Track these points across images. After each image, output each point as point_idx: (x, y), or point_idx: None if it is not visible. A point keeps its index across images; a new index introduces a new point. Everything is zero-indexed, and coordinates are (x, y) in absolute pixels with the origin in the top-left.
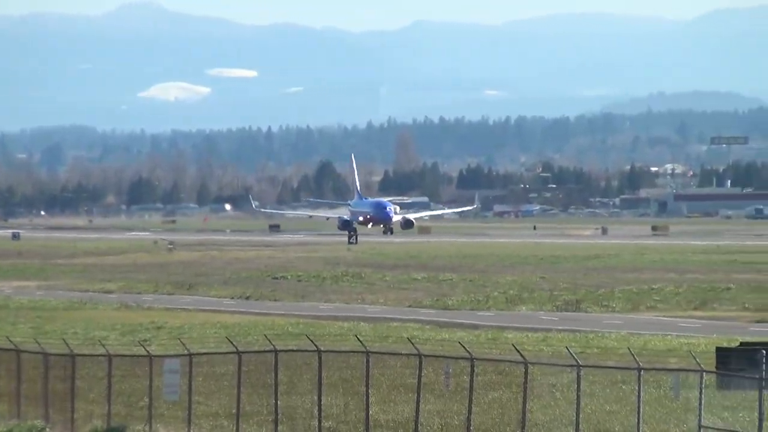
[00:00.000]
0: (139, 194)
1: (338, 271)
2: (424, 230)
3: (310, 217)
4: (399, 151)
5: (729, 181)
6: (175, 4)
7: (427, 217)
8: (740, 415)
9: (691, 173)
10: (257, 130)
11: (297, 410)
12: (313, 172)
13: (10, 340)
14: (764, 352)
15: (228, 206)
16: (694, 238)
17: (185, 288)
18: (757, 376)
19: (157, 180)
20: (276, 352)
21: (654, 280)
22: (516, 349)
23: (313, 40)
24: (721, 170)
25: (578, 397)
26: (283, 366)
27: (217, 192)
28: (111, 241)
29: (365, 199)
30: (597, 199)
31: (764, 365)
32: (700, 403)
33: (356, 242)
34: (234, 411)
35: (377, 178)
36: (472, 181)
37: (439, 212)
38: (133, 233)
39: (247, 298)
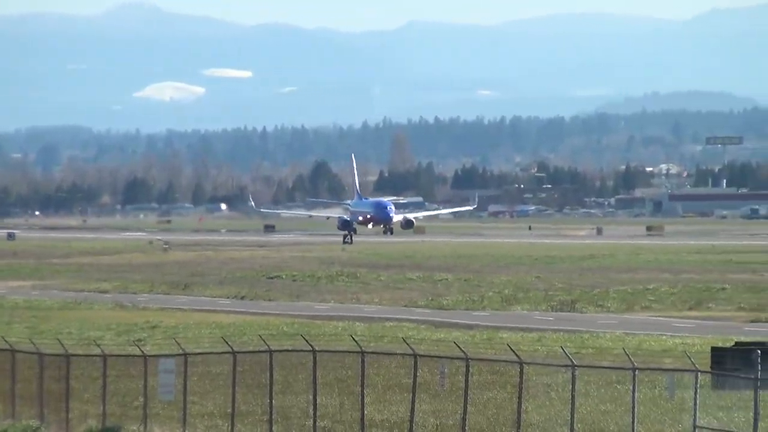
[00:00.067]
0: (134, 194)
1: (333, 271)
2: (419, 230)
3: (310, 216)
4: (394, 151)
5: (724, 181)
6: (170, 5)
7: (422, 217)
8: (735, 415)
9: (686, 173)
10: (252, 130)
11: (292, 410)
12: (308, 172)
13: (5, 340)
14: (759, 352)
15: (223, 206)
16: (689, 238)
17: (180, 288)
18: (752, 376)
19: (152, 180)
20: (271, 352)
21: (649, 280)
22: (511, 349)
23: (308, 41)
24: (716, 170)
25: (573, 397)
26: (278, 366)
27: (212, 192)
28: (106, 241)
29: (365, 199)
30: (592, 199)
31: (759, 365)
32: (695, 403)
33: (351, 242)
34: (229, 411)
35: (372, 178)
36: (467, 181)
37: (439, 212)
38: (128, 233)
39: (242, 298)
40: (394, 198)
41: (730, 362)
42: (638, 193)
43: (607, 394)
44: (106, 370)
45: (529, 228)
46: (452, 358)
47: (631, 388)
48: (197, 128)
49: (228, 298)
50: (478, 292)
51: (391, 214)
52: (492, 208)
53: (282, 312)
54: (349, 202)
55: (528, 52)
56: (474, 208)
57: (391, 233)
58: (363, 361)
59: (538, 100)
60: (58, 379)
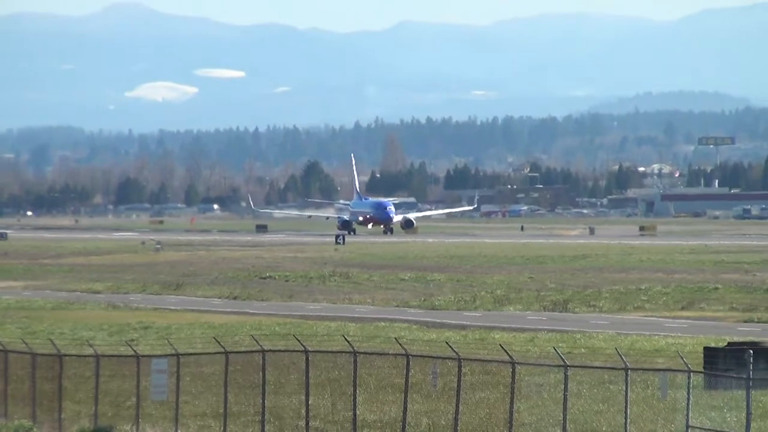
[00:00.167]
0: (126, 194)
1: (326, 271)
2: (412, 230)
3: (310, 217)
4: (386, 152)
5: (716, 182)
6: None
7: (422, 217)
8: (728, 415)
9: (679, 173)
10: (244, 131)
11: (284, 410)
12: (300, 173)
13: None
14: (752, 352)
15: (216, 206)
16: (681, 238)
17: (173, 288)
18: (745, 376)
19: (145, 180)
20: (263, 352)
21: (641, 280)
22: (503, 349)
23: (300, 41)
24: (708, 170)
25: (565, 397)
26: (270, 366)
27: (205, 192)
28: (98, 242)
29: (365, 199)
30: (584, 199)
31: (751, 365)
32: (688, 403)
33: (344, 242)
34: (221, 411)
35: (364, 178)
36: (459, 181)
37: (440, 212)
38: (121, 233)
39: (235, 298)
40: (387, 199)
41: (723, 362)
42: (631, 193)
43: (600, 394)
44: (98, 370)
45: (522, 228)
46: (444, 359)
47: (623, 388)
48: (190, 128)
49: (220, 298)
50: (470, 293)
51: (391, 215)
52: (484, 208)
53: (274, 312)
54: (342, 202)
55: (520, 53)
56: (474, 208)
57: (391, 233)
58: (355, 362)
59: (531, 101)
60: (51, 379)
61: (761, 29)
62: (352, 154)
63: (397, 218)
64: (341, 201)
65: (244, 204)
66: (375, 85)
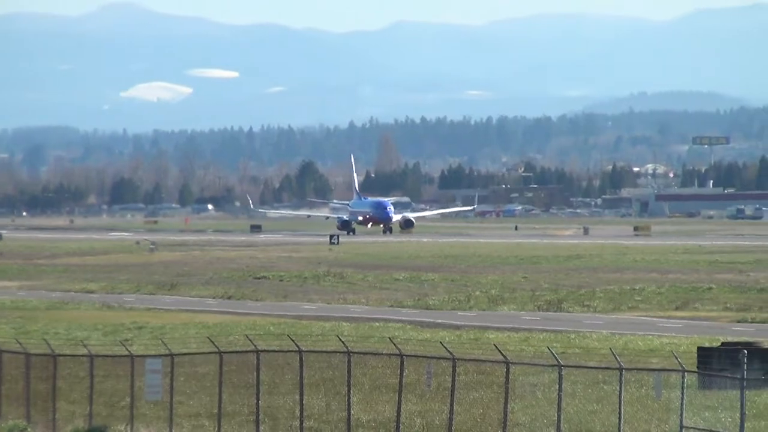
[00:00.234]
0: (120, 194)
1: (320, 271)
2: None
3: (309, 216)
4: (380, 152)
5: (711, 182)
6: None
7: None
8: (722, 415)
9: (673, 173)
10: (239, 131)
11: (278, 410)
12: (295, 172)
13: None
14: (746, 352)
15: (210, 206)
16: (675, 238)
17: (167, 288)
18: (739, 376)
19: (139, 180)
20: (257, 352)
21: (635, 280)
22: (498, 349)
23: (294, 41)
24: (702, 170)
25: (559, 397)
26: (264, 366)
27: (199, 192)
28: (93, 242)
29: (364, 198)
30: (579, 199)
31: (746, 365)
32: (682, 403)
33: (338, 242)
34: (215, 411)
35: (359, 178)
36: (453, 181)
37: (440, 212)
38: (115, 233)
39: (229, 298)
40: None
41: (717, 362)
42: (625, 193)
43: (594, 394)
44: (92, 370)
45: (516, 228)
46: (439, 358)
47: (617, 388)
48: (184, 128)
49: (215, 298)
50: (464, 292)
51: (390, 214)
52: (479, 208)
53: (269, 312)
54: (337, 201)
55: (515, 53)
56: (473, 208)
57: (391, 233)
58: (349, 362)
59: (525, 100)
60: (45, 379)
61: (756, 29)
62: (352, 155)
63: (396, 218)
64: (336, 201)
65: (238, 204)
66: (370, 85)
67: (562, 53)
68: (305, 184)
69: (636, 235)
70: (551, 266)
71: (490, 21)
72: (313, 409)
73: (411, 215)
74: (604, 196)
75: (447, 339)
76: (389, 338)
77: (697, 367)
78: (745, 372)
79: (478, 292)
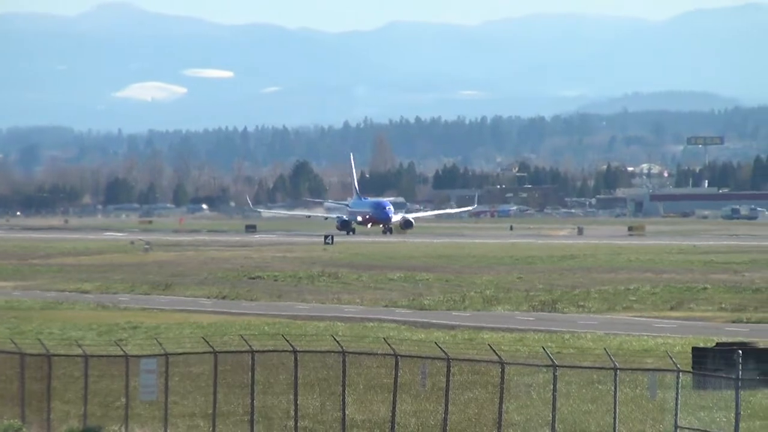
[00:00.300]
0: (115, 194)
1: (314, 271)
2: (401, 231)
3: (308, 216)
4: (375, 152)
5: (705, 182)
6: (151, 5)
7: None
8: (716, 415)
9: (667, 173)
10: (233, 131)
11: (273, 410)
12: (289, 172)
13: None
14: (740, 352)
15: (205, 206)
16: (670, 238)
17: (162, 288)
18: (734, 377)
19: (134, 180)
20: (252, 352)
21: (630, 280)
22: (492, 349)
23: (289, 41)
24: (697, 170)
25: (554, 397)
26: (259, 366)
27: (194, 192)
28: (87, 242)
29: (364, 198)
30: (573, 199)
31: (740, 365)
32: (677, 403)
33: (332, 242)
34: (210, 411)
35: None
36: (448, 181)
37: (440, 212)
38: (110, 233)
39: (224, 298)
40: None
41: (712, 362)
42: (619, 193)
43: (589, 394)
44: (87, 370)
45: (511, 228)
46: (433, 359)
47: (612, 388)
48: (179, 128)
49: (209, 298)
50: (459, 293)
51: (390, 214)
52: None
53: (263, 312)
54: (332, 201)
55: (509, 53)
56: (474, 208)
57: (390, 233)
58: (344, 362)
59: (520, 100)
60: (40, 379)
61: (751, 29)
62: (351, 155)
63: (396, 218)
64: (331, 201)
65: (233, 204)
66: (364, 85)
67: (557, 53)
68: (299, 185)
69: (630, 235)
70: (546, 266)
71: (484, 21)
72: (307, 409)
73: (410, 216)
74: (598, 196)
75: (442, 339)
76: (384, 338)
77: (692, 368)
78: (740, 372)
79: (472, 293)
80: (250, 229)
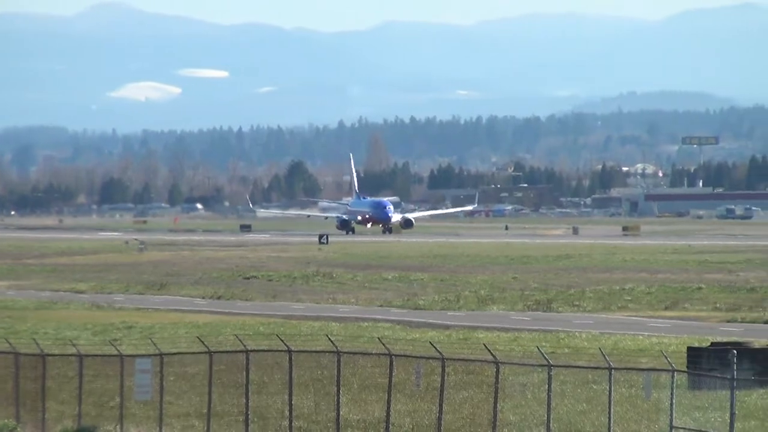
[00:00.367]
0: (110, 194)
1: (309, 271)
2: (396, 230)
3: (308, 216)
4: (370, 151)
5: (700, 181)
6: (146, 4)
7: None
8: (711, 415)
9: (662, 173)
10: (228, 130)
11: (268, 410)
12: (284, 172)
13: None
14: (735, 352)
15: (199, 206)
16: (665, 238)
17: (156, 288)
18: (729, 376)
19: (129, 180)
20: (247, 352)
21: (625, 280)
22: (487, 349)
23: (284, 41)
24: (692, 170)
25: (549, 396)
26: (254, 366)
27: (188, 192)
28: (82, 241)
29: (364, 198)
30: (568, 198)
31: (735, 365)
32: (672, 403)
33: (327, 242)
34: (205, 411)
35: (348, 178)
36: (443, 180)
37: (441, 213)
38: (105, 233)
39: (219, 297)
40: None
41: (707, 362)
42: (614, 192)
43: (584, 393)
44: (82, 370)
45: (506, 228)
46: (428, 358)
47: (607, 387)
48: (173, 128)
49: (204, 298)
50: (454, 292)
51: (390, 214)
52: (468, 208)
53: (258, 312)
54: (326, 201)
55: (504, 53)
56: (475, 207)
57: (390, 233)
58: (339, 361)
59: (515, 100)
60: (34, 379)
61: (746, 29)
62: (351, 155)
63: (396, 218)
64: (326, 200)
65: (227, 203)
66: (359, 85)
67: (552, 53)
68: (294, 184)
69: (625, 234)
70: (541, 266)
71: (479, 21)
72: (302, 408)
73: (411, 215)
74: (593, 196)
75: (436, 339)
76: (378, 338)
77: (687, 367)
78: (735, 372)
79: (467, 292)
80: (245, 228)
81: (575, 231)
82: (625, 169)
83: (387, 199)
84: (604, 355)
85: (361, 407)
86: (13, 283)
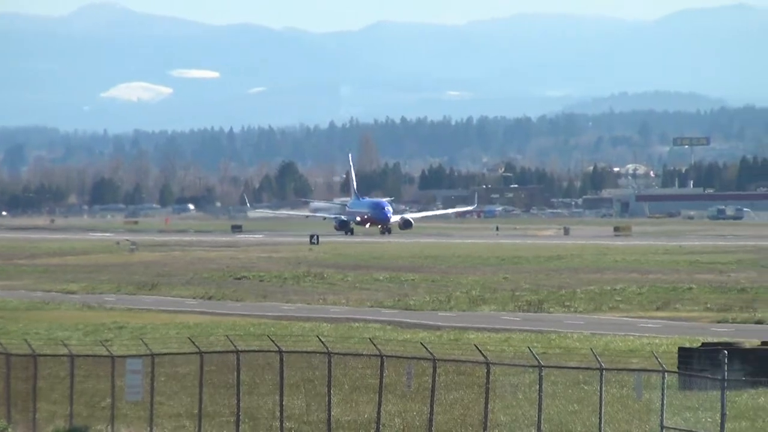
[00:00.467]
0: (101, 195)
1: (300, 272)
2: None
3: (307, 217)
4: (361, 152)
5: (691, 182)
6: (137, 5)
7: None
8: (702, 415)
9: (654, 174)
10: (219, 131)
11: (259, 411)
12: (275, 173)
13: None
14: (726, 352)
15: (191, 206)
16: (656, 238)
17: (147, 288)
18: (719, 377)
19: (120, 180)
20: (238, 352)
21: (616, 280)
22: (478, 350)
23: (275, 41)
24: (683, 171)
25: (540, 397)
26: (245, 366)
27: (180, 192)
28: (73, 242)
29: (363, 199)
30: (559, 199)
31: (726, 366)
32: (662, 404)
33: (318, 243)
34: (196, 411)
35: (338, 178)
36: (434, 181)
37: (441, 213)
38: (96, 234)
39: (210, 298)
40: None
41: (697, 363)
42: (605, 193)
43: (575, 394)
44: (73, 370)
45: (497, 228)
46: (419, 359)
47: (598, 388)
48: (164, 129)
49: (195, 298)
50: (445, 293)
51: (388, 215)
52: (459, 208)
53: (249, 312)
54: (318, 202)
55: (495, 53)
56: (475, 207)
57: (389, 233)
58: (330, 362)
59: (505, 101)
60: (26, 379)
61: (738, 30)
62: (350, 155)
63: (395, 218)
64: (317, 201)
65: (219, 204)
66: (350, 85)
67: (543, 53)
68: (285, 185)
69: (616, 235)
70: (532, 267)
71: (470, 21)
72: (293, 409)
73: (410, 216)
74: (584, 197)
75: (427, 339)
76: (369, 339)
77: (678, 368)
78: (726, 373)
79: (458, 293)
80: (236, 229)
81: (566, 231)
82: (616, 169)
83: (387, 200)
84: (595, 356)
85: (352, 408)
86: (4, 283)
